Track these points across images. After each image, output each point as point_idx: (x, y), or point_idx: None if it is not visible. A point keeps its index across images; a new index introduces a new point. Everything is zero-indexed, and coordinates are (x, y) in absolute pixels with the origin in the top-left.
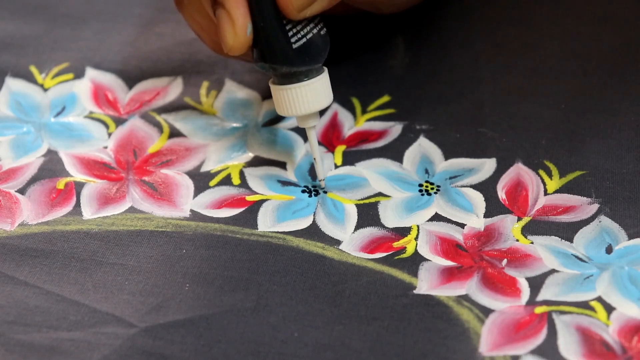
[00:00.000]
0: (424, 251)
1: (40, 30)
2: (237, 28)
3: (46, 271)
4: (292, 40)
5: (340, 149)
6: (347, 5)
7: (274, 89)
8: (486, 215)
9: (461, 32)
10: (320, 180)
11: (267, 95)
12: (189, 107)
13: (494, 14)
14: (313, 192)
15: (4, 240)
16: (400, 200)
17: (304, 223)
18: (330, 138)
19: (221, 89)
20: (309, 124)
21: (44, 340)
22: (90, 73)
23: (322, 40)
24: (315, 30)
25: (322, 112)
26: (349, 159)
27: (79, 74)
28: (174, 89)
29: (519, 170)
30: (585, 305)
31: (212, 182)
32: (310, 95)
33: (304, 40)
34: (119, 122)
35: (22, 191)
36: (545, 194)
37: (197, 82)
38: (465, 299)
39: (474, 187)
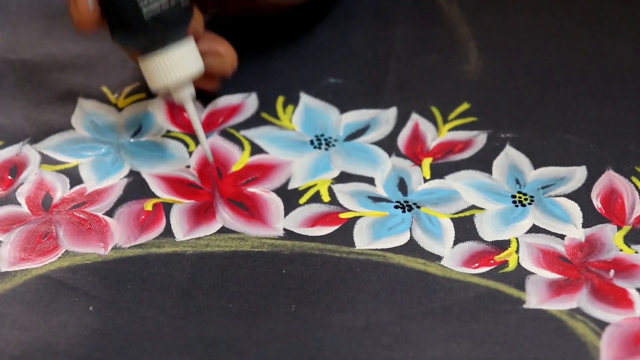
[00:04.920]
0: (527, 264)
1: (107, 50)
2: (79, 4)
3: (147, 296)
4: (144, 11)
5: (427, 161)
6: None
7: (140, 63)
8: (584, 225)
9: (534, 34)
10: (207, 153)
11: (345, 109)
12: (268, 123)
13: (566, 15)
14: (406, 208)
15: (100, 265)
16: (495, 212)
17: (401, 239)
18: (414, 151)
19: (298, 103)
20: (183, 94)
21: None
22: None
23: (180, 11)
24: (172, 2)
25: (402, 124)
26: (437, 171)
27: (151, 93)
28: (249, 105)
29: (610, 177)
30: None
31: (302, 200)
32: (173, 63)
33: (158, 11)
34: (198, 140)
35: (109, 214)
36: None
37: (272, 97)
38: (577, 312)
39: (568, 196)
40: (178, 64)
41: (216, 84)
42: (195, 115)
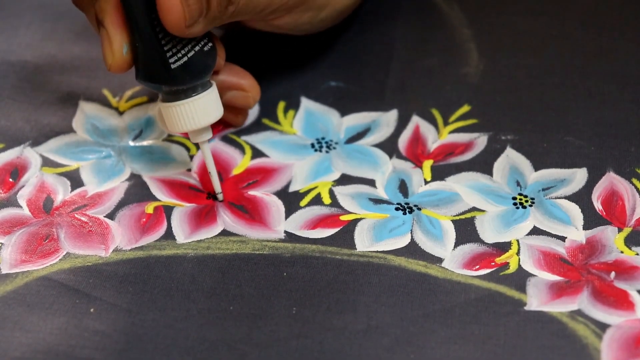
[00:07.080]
0: (528, 266)
1: None
2: (114, 47)
3: (148, 298)
4: (171, 60)
5: (427, 163)
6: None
7: (161, 106)
8: (585, 227)
9: (534, 36)
10: (218, 194)
11: (346, 112)
12: (269, 128)
13: (566, 17)
14: (407, 210)
15: (100, 266)
16: (496, 214)
17: (402, 241)
18: (415, 153)
19: (298, 108)
20: (201, 139)
21: None
22: None
23: (206, 57)
24: (197, 48)
25: (403, 126)
26: (438, 173)
27: (152, 97)
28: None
29: (611, 179)
30: None
31: (303, 202)
32: (196, 112)
33: (185, 59)
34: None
35: (110, 216)
36: None
37: (273, 103)
38: (578, 314)
39: (569, 198)
40: (199, 112)
41: (244, 119)
42: (210, 158)
